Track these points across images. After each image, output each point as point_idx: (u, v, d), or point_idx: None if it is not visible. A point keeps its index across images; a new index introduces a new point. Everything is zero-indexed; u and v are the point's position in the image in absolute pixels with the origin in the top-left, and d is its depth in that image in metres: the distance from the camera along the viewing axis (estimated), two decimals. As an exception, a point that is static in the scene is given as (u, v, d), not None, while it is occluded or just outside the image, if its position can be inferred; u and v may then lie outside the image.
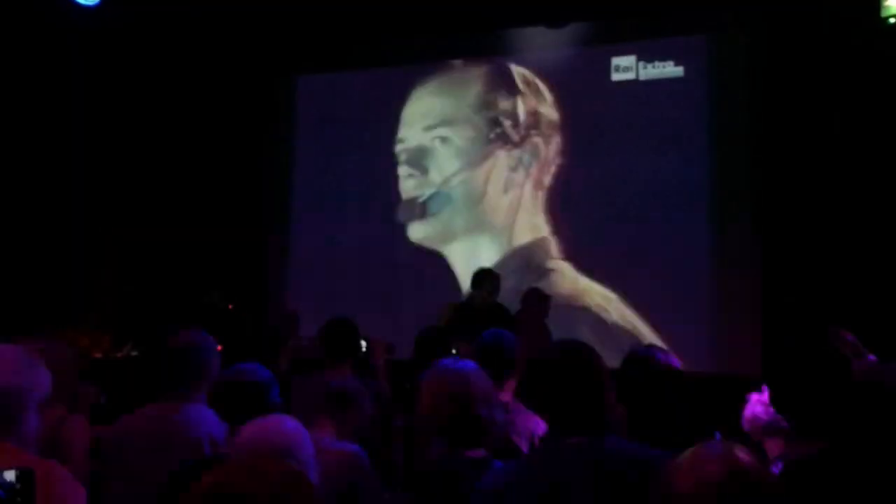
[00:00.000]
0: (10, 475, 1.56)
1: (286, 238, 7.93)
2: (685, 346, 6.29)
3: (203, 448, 2.52)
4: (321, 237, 7.75)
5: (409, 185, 7.45)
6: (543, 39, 7.04)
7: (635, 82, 6.79)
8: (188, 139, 7.67)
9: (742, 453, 1.67)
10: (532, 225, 7.06)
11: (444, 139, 7.34)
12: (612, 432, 1.96)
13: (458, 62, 7.40)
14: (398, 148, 7.54)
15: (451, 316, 5.28)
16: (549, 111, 7.06)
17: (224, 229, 7.65)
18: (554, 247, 6.98)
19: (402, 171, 7.49)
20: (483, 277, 5.58)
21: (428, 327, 4.12)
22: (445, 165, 7.32)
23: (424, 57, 7.50)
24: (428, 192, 7.36)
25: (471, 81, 7.32)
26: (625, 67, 6.84)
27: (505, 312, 5.44)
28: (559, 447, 1.94)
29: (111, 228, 7.89)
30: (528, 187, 7.07)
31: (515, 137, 7.10)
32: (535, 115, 7.09)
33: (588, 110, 6.93)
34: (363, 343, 4.19)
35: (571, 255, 6.89)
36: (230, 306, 6.82)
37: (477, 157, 7.22)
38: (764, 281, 6.19)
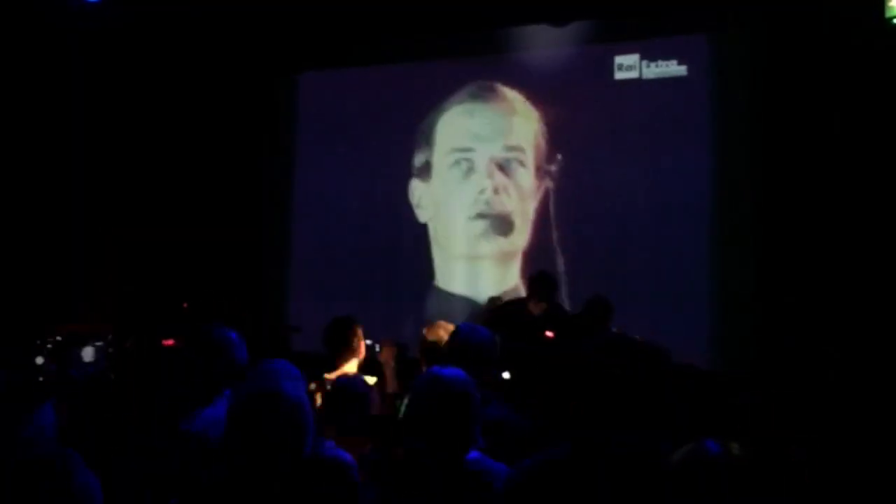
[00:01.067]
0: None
1: (286, 237, 7.91)
2: (684, 345, 6.30)
3: None
4: (322, 236, 7.74)
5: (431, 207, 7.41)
6: (545, 38, 7.02)
7: (638, 81, 6.77)
8: (188, 138, 7.66)
9: (736, 450, 1.67)
10: (541, 230, 7.05)
11: (468, 160, 7.26)
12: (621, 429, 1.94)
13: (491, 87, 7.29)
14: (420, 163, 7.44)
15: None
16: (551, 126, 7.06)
17: (224, 229, 7.63)
18: (559, 250, 6.97)
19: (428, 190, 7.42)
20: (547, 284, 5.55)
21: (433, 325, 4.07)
22: (474, 187, 7.22)
23: (425, 55, 7.48)
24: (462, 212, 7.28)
25: (497, 108, 7.25)
26: (628, 66, 6.81)
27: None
28: (572, 444, 1.93)
29: (111, 228, 7.87)
30: (540, 196, 7.06)
31: (537, 162, 7.05)
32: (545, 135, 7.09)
33: (591, 109, 6.90)
34: (377, 346, 4.18)
35: (575, 257, 6.87)
36: (185, 304, 6.75)
37: (515, 178, 7.15)
38: (764, 281, 6.16)
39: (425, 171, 7.45)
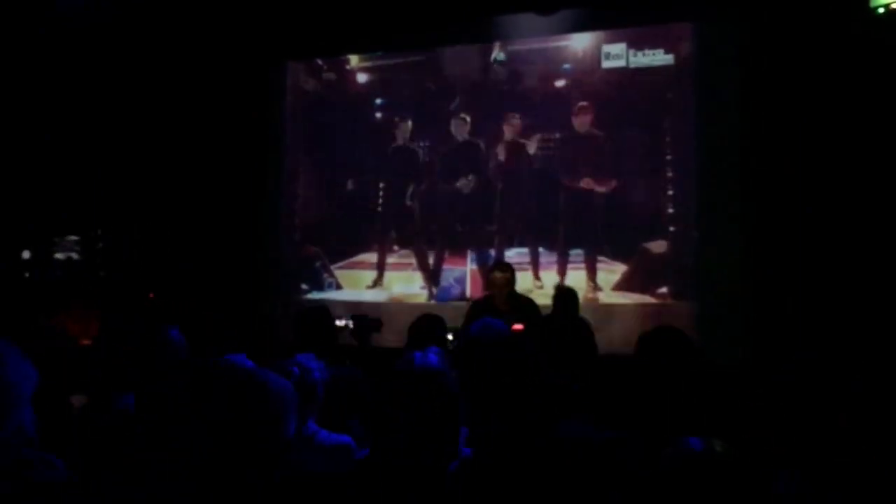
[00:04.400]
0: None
1: (276, 229, 7.87)
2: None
3: None
4: (314, 227, 7.73)
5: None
6: (533, 26, 7.00)
7: (625, 70, 6.77)
8: (180, 131, 7.61)
9: (719, 447, 1.69)
10: (520, 215, 7.08)
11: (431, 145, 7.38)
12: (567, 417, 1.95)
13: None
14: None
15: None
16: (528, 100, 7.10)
17: (217, 219, 7.60)
18: (542, 238, 6.99)
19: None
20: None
21: (421, 315, 4.05)
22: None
23: (414, 44, 7.45)
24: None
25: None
26: (615, 55, 6.82)
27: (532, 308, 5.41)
28: (509, 435, 1.94)
29: (103, 223, 7.81)
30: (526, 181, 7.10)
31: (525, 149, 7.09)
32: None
33: (578, 97, 6.91)
34: (350, 323, 4.16)
35: (558, 246, 6.89)
36: (151, 294, 6.72)
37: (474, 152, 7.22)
38: (758, 277, 6.14)
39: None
